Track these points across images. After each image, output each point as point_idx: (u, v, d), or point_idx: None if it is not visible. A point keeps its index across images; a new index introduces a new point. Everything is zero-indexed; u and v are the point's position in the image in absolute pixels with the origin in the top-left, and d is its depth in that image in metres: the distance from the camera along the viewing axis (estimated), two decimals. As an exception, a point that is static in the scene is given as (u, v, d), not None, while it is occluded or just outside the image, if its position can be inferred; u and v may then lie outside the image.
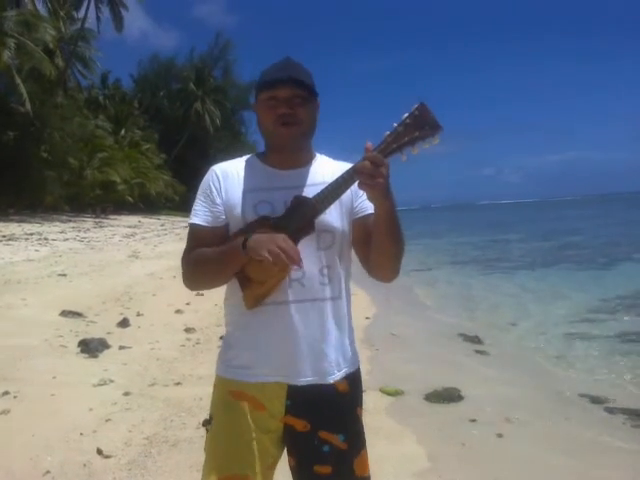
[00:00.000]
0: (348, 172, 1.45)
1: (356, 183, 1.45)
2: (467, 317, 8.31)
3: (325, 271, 1.57)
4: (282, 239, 1.41)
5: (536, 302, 9.71)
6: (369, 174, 1.37)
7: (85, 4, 36.66)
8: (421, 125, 1.41)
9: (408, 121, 1.42)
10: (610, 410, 4.25)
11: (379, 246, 1.52)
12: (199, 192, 1.64)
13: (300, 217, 1.47)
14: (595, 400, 4.47)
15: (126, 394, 4.20)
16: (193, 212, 1.62)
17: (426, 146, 1.43)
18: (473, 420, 3.94)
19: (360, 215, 1.61)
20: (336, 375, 1.58)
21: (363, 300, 8.84)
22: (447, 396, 4.35)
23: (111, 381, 4.48)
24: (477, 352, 6.10)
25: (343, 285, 1.63)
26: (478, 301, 9.99)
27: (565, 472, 3.27)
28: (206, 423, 1.63)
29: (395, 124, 1.43)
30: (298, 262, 1.41)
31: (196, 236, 1.61)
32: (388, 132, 1.43)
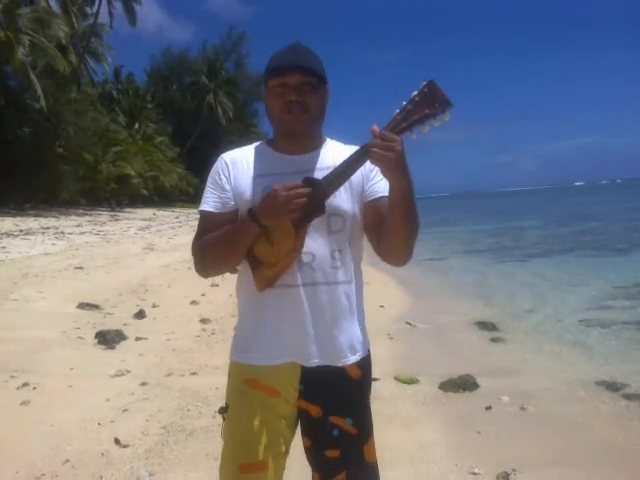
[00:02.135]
0: (358, 151, 1.44)
1: (370, 165, 1.44)
2: (483, 305, 8.24)
3: (336, 255, 1.57)
4: (280, 187, 1.41)
5: (553, 289, 9.61)
6: (380, 149, 1.35)
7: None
8: (431, 102, 1.38)
9: (417, 99, 1.39)
10: (627, 397, 4.20)
11: (393, 228, 1.50)
12: (208, 180, 1.65)
13: (311, 199, 1.45)
14: (612, 387, 4.41)
15: (143, 384, 4.25)
16: (203, 200, 1.63)
17: (437, 124, 1.40)
18: (489, 408, 3.92)
19: (371, 198, 1.60)
20: (348, 359, 1.59)
21: (377, 289, 8.82)
22: (462, 384, 4.33)
23: (128, 372, 4.53)
24: (493, 340, 6.06)
25: (354, 269, 1.62)
26: (494, 289, 9.90)
27: (581, 459, 3.24)
28: (222, 411, 1.64)
29: (404, 102, 1.40)
30: (303, 194, 1.41)
31: (206, 223, 1.62)
32: (397, 110, 1.40)
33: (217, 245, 1.55)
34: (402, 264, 1.60)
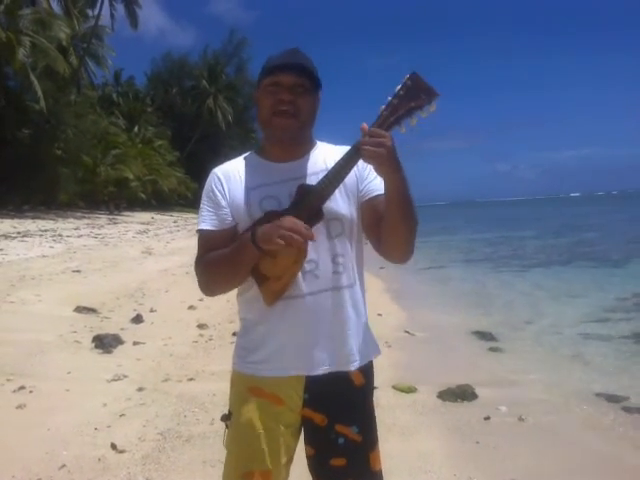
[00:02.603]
0: (349, 151, 1.43)
1: (362, 165, 1.44)
2: (481, 315, 8.22)
3: (338, 259, 1.56)
4: (288, 221, 1.39)
5: (551, 300, 9.61)
6: (371, 146, 1.35)
7: (99, 2, 36.92)
8: (416, 94, 1.38)
9: (402, 92, 1.39)
10: (627, 409, 4.19)
11: (391, 225, 1.49)
12: (203, 197, 1.63)
13: (308, 206, 1.45)
14: (611, 399, 4.40)
15: (140, 389, 4.23)
16: (200, 218, 1.61)
17: (424, 115, 1.40)
18: (487, 418, 3.90)
19: (367, 197, 1.59)
20: (356, 363, 1.58)
21: (375, 296, 8.82)
22: (460, 394, 4.31)
23: (125, 376, 4.51)
24: (491, 350, 6.06)
25: (357, 271, 1.62)
26: (492, 298, 9.90)
27: (580, 470, 3.23)
28: (225, 418, 1.63)
29: (389, 97, 1.40)
30: (312, 236, 1.39)
31: (206, 241, 1.60)
32: (383, 106, 1.40)
33: (220, 266, 1.54)
34: (404, 261, 1.59)
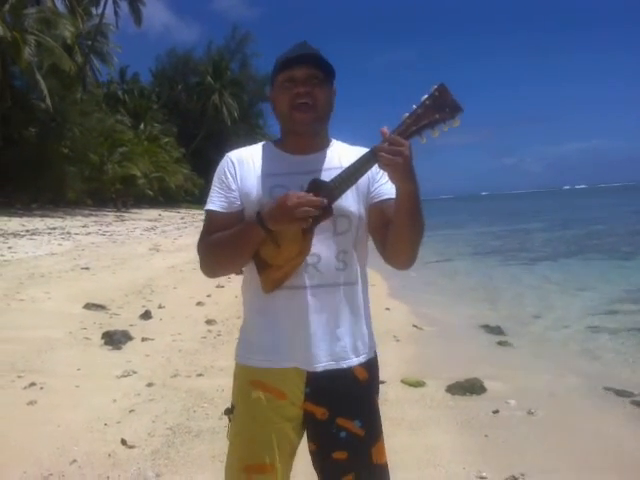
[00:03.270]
0: (366, 154, 1.43)
1: (375, 167, 1.43)
2: (489, 308, 8.22)
3: (341, 256, 1.56)
4: (293, 196, 1.39)
5: (559, 293, 9.58)
6: (388, 154, 1.35)
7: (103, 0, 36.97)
8: (441, 107, 1.37)
9: (427, 103, 1.38)
10: (637, 403, 4.17)
11: (398, 231, 1.49)
12: (214, 178, 1.64)
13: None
14: (620, 393, 4.37)
15: (149, 385, 4.25)
16: (209, 199, 1.62)
17: (446, 129, 1.39)
18: (496, 412, 3.89)
19: (377, 200, 1.59)
20: (352, 360, 1.58)
21: (383, 291, 8.82)
22: (469, 387, 4.30)
23: (134, 372, 4.53)
24: (499, 343, 6.04)
25: (359, 270, 1.62)
26: (499, 292, 9.88)
27: (590, 464, 3.21)
28: (228, 412, 1.64)
29: (414, 106, 1.39)
30: (323, 203, 1.39)
31: (212, 222, 1.61)
32: (407, 114, 1.39)
33: (223, 247, 1.55)
34: (406, 268, 1.60)
